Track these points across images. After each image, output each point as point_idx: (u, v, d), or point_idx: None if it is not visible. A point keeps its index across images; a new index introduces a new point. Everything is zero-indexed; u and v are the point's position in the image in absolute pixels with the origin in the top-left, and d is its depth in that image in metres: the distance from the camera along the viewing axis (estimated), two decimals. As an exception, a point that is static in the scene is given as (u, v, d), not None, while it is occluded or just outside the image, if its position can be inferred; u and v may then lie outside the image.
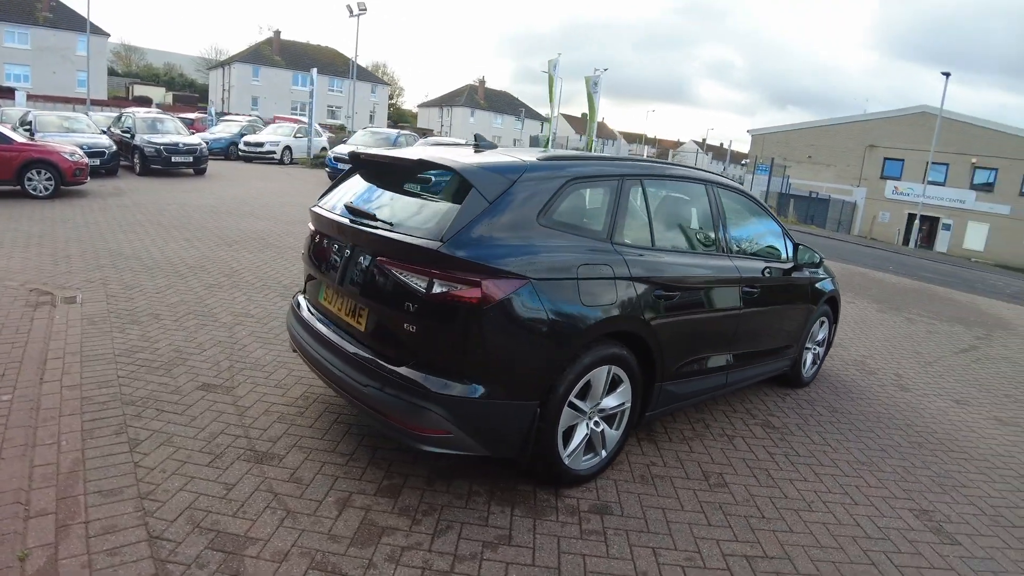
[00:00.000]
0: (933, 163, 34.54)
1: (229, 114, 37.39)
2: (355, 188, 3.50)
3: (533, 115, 77.00)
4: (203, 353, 4.36)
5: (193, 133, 17.69)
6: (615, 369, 3.22)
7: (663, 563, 2.75)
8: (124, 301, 5.33)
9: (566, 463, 3.10)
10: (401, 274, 2.77)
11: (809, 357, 5.35)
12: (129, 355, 4.18)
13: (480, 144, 3.60)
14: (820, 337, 5.47)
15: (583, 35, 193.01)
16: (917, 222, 35.87)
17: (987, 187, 34.01)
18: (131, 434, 3.18)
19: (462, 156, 3.19)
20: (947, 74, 31.60)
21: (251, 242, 8.26)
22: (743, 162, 44.78)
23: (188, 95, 51.11)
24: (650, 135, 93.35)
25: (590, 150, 19.83)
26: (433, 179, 3.18)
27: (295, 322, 3.58)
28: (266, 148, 21.50)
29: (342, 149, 16.53)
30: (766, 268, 4.42)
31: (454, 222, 2.74)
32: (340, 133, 35.03)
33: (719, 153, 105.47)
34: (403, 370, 2.78)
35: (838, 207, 34.84)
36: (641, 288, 3.28)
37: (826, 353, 5.70)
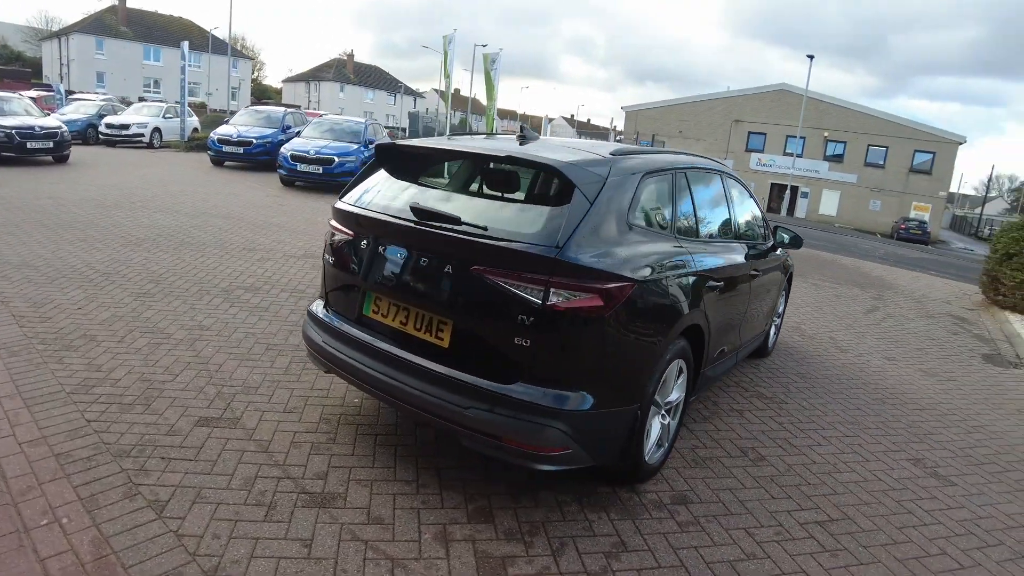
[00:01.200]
0: (792, 136, 37.79)
1: (78, 92, 32.83)
2: (401, 185, 3.10)
3: (407, 90, 75.14)
4: (177, 379, 3.67)
5: (48, 114, 15.24)
6: (680, 362, 3.23)
7: (760, 542, 2.87)
8: (40, 322, 4.38)
9: (647, 460, 3.10)
10: (510, 285, 2.51)
11: (773, 328, 5.72)
12: (86, 391, 3.41)
13: (526, 135, 3.27)
14: (781, 309, 5.90)
15: (444, 8, 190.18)
16: (788, 192, 39.22)
17: (838, 158, 37.79)
18: (148, 495, 2.56)
19: (547, 151, 2.97)
20: (811, 56, 34.62)
21: (161, 240, 7.21)
22: (619, 138, 46.44)
23: (18, 70, 44.07)
24: (520, 111, 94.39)
25: (490, 130, 19.49)
26: (521, 177, 2.92)
27: (329, 338, 3.09)
28: (133, 131, 18.96)
29: (227, 131, 15.01)
30: (760, 249, 4.68)
31: (565, 226, 2.54)
32: (203, 112, 32.07)
33: (587, 127, 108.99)
34: (517, 388, 2.53)
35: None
36: (701, 281, 3.35)
37: (780, 323, 6.09)
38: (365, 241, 2.99)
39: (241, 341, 4.40)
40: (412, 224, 2.76)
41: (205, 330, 4.53)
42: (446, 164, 3.48)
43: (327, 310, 3.26)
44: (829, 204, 38.36)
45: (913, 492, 3.58)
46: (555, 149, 3.07)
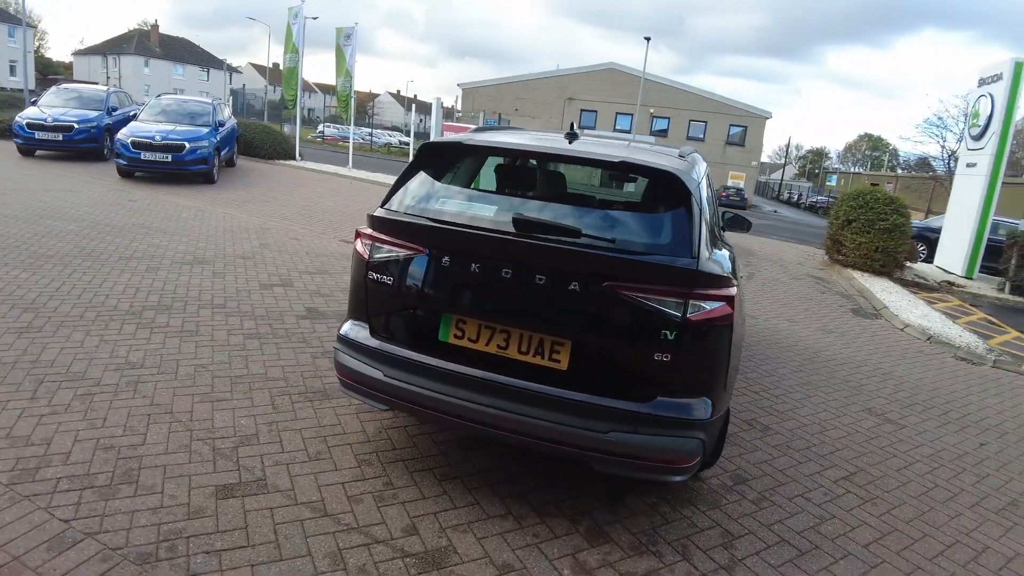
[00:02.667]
0: (622, 113, 40.22)
1: None
2: (470, 190, 2.84)
3: (220, 65, 68.29)
4: (148, 440, 2.92)
5: None
6: None
7: (819, 504, 3.24)
8: None
9: None
10: (649, 300, 2.39)
11: None
12: (32, 477, 2.57)
13: (577, 133, 3.05)
14: None
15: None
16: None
17: (663, 133, 40.98)
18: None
19: (649, 156, 2.88)
20: (648, 38, 36.65)
21: (6, 255, 5.74)
22: (457, 115, 46.27)
23: None
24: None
25: (347, 113, 18.18)
26: (628, 183, 2.67)
27: (394, 370, 2.65)
28: None
29: (38, 114, 12.35)
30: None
31: (691, 235, 2.49)
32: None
33: (417, 106, 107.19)
34: (658, 404, 2.45)
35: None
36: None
37: None
38: (446, 257, 2.58)
39: (194, 377, 3.63)
40: (518, 238, 2.48)
41: (139, 368, 3.67)
42: (513, 165, 3.16)
43: (378, 337, 2.78)
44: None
45: (885, 438, 4.21)
46: (638, 151, 2.93)
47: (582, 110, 42.34)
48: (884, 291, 9.40)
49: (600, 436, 2.42)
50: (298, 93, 18.22)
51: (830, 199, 49.29)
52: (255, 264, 6.41)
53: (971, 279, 11.49)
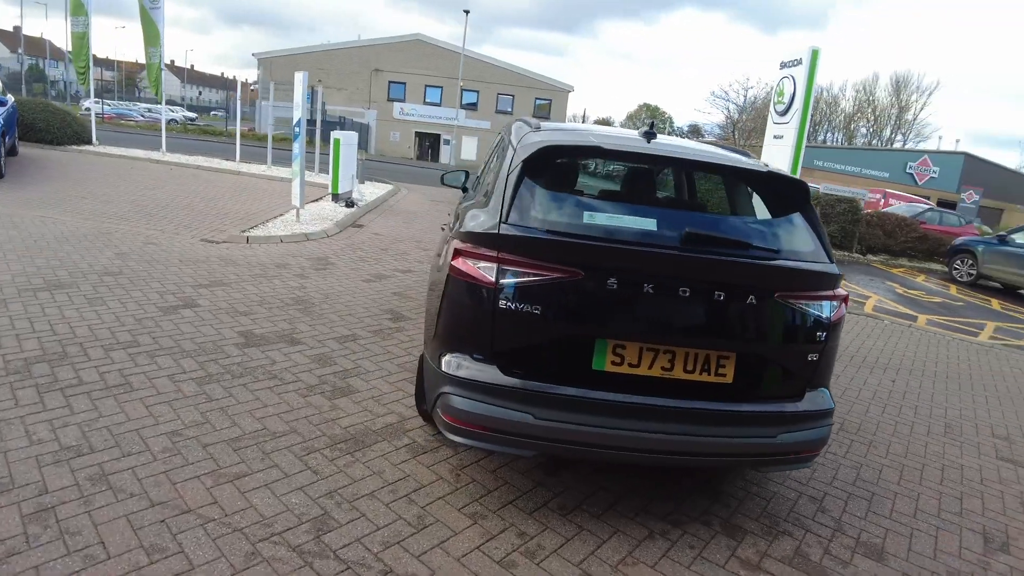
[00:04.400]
0: (430, 86, 39.46)
1: None
2: (603, 201, 2.56)
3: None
4: (198, 563, 2.05)
5: None
6: None
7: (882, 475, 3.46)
8: None
9: None
10: (811, 305, 2.51)
11: None
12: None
13: (655, 132, 2.82)
14: None
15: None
16: (450, 138, 40.83)
17: (472, 106, 41.05)
18: None
19: (749, 160, 2.97)
20: (467, 11, 35.80)
21: None
22: (253, 87, 41.86)
23: None
24: (115, 56, 76.96)
25: (156, 85, 15.27)
26: (755, 190, 2.74)
27: (544, 409, 2.29)
28: None
29: None
30: None
31: (825, 239, 2.61)
32: None
33: (200, 78, 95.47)
34: (807, 400, 2.61)
35: (357, 130, 36.77)
36: None
37: None
38: (611, 279, 2.30)
39: (178, 451, 2.68)
40: (694, 254, 2.33)
41: (87, 453, 2.60)
42: (626, 170, 2.84)
43: (513, 374, 2.32)
44: (468, 149, 41.68)
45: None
46: (727, 154, 2.89)
47: (390, 82, 40.76)
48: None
49: (770, 441, 2.48)
50: (89, 64, 14.81)
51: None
52: (131, 282, 5.04)
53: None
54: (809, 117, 13.29)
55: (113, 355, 3.59)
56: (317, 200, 11.05)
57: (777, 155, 13.40)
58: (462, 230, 2.51)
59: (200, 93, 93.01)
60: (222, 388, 3.35)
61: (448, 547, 2.28)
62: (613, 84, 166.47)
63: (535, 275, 2.29)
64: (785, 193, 2.69)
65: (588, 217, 2.41)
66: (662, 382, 2.39)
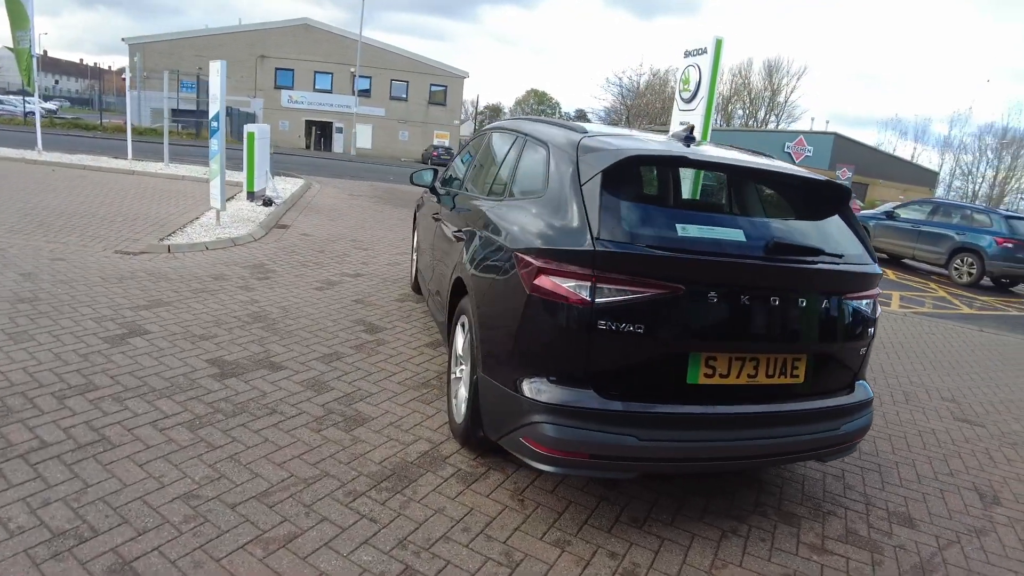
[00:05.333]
0: (320, 72, 37.38)
1: None
2: (680, 211, 2.62)
3: None
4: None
5: None
6: None
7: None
8: None
9: None
10: (864, 304, 2.62)
11: None
12: None
13: (693, 136, 2.80)
14: None
15: None
16: (356, 129, 38.63)
17: (366, 93, 39.36)
18: None
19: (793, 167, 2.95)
20: None
21: None
22: (124, 76, 37.68)
23: None
24: (-62, 39, 66.09)
25: (27, 76, 13.21)
26: (808, 197, 2.75)
27: (645, 430, 2.22)
28: None
29: None
30: None
31: (864, 242, 2.69)
32: None
33: (54, 65, 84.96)
34: (859, 389, 2.72)
35: (243, 119, 34.20)
36: None
37: None
38: (711, 292, 2.25)
39: (206, 517, 2.24)
40: (781, 263, 2.36)
41: (99, 530, 2.10)
42: (693, 178, 2.74)
43: (611, 396, 2.22)
44: (363, 138, 39.99)
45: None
46: (771, 160, 2.89)
47: (277, 68, 38.19)
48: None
49: (836, 433, 2.56)
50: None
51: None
52: (54, 309, 4.24)
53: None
54: (715, 104, 13.98)
55: (70, 404, 2.98)
56: (230, 199, 10.05)
57: (684, 139, 13.94)
58: (537, 246, 2.30)
59: (57, 82, 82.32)
60: (220, 432, 2.87)
61: (555, 585, 2.06)
62: (499, 70, 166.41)
63: (634, 292, 2.16)
64: (832, 197, 2.71)
65: (682, 230, 2.30)
66: (747, 389, 2.39)
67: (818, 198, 2.69)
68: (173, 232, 7.22)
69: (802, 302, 2.38)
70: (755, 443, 2.39)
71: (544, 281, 2.20)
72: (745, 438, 2.38)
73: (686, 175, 2.68)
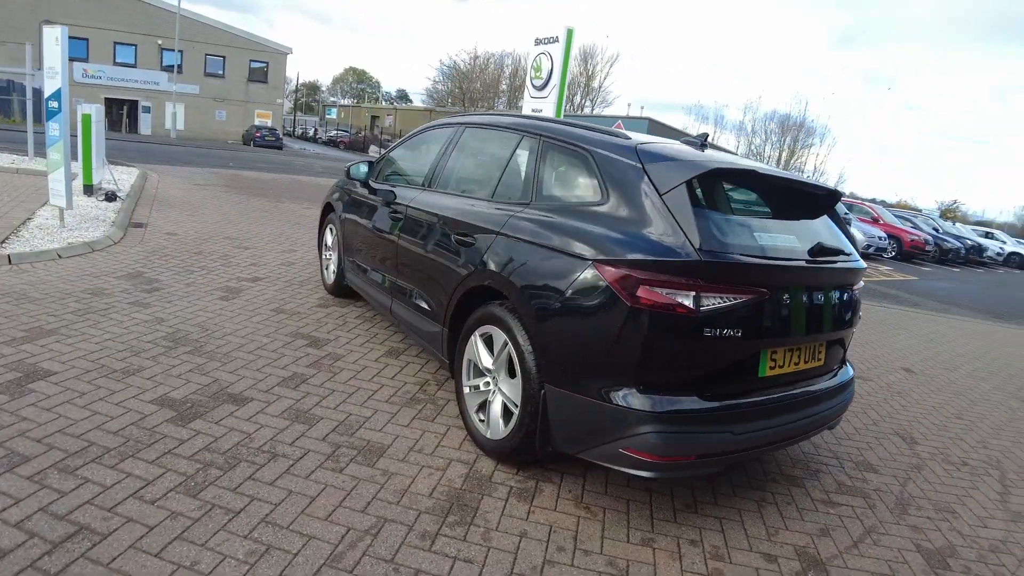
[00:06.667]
0: (121, 44, 31.86)
1: None
2: (750, 220, 2.59)
3: None
4: None
5: None
6: None
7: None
8: None
9: None
10: (858, 293, 2.88)
11: None
12: None
13: (705, 143, 2.88)
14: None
15: None
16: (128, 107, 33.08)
17: (176, 68, 34.29)
18: None
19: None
20: None
21: None
22: None
23: None
24: None
25: None
26: (819, 202, 2.89)
27: (744, 424, 2.35)
28: None
29: None
30: None
31: (851, 238, 2.99)
32: None
33: None
34: (847, 367, 3.05)
35: (27, 96, 28.09)
36: None
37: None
38: (786, 295, 2.39)
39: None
40: (816, 264, 2.55)
41: None
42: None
43: (710, 398, 2.29)
44: (176, 118, 35.03)
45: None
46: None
47: (69, 37, 31.70)
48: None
49: (842, 404, 2.86)
50: None
51: (359, 133, 51.25)
52: None
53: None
54: (566, 92, 14.36)
55: (3, 487, 2.20)
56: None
57: (540, 126, 14.21)
58: (633, 257, 2.20)
59: None
60: (229, 492, 2.32)
61: None
62: (313, 47, 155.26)
63: (731, 298, 2.20)
64: (830, 201, 2.90)
65: (758, 237, 2.41)
66: (793, 375, 2.59)
67: (824, 202, 2.87)
68: (6, 238, 5.69)
69: (830, 296, 2.61)
70: (805, 421, 2.61)
71: (648, 292, 2.14)
72: (800, 418, 2.59)
73: (734, 184, 2.70)
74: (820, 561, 2.39)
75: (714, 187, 2.51)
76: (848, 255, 2.77)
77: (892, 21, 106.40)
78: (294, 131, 61.14)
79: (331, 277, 5.33)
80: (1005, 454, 3.83)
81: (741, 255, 2.28)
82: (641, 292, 2.14)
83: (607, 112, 43.18)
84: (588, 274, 2.30)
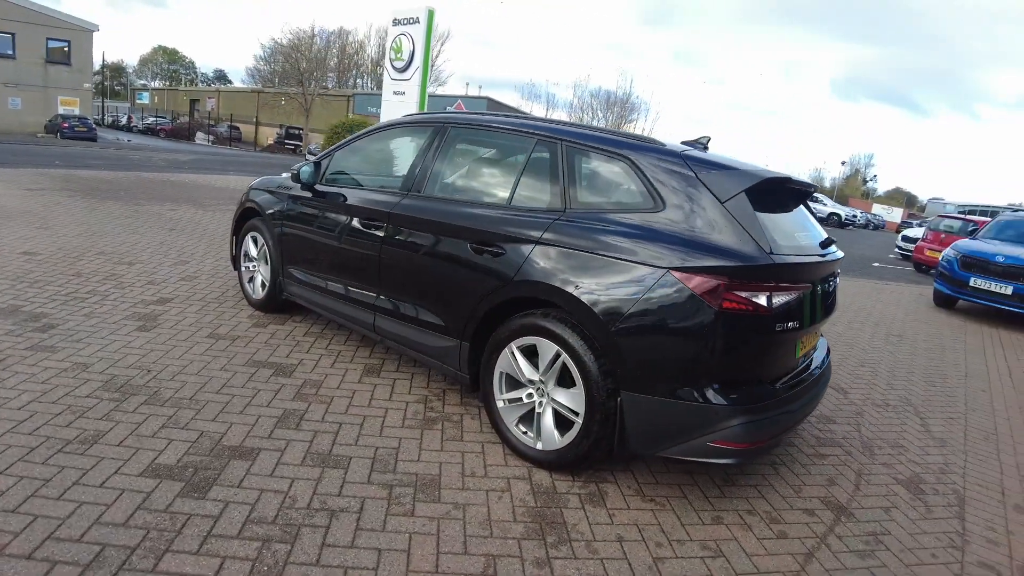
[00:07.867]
0: None
1: None
2: (784, 221, 2.76)
3: None
4: None
5: None
6: None
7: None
8: None
9: None
10: (839, 279, 3.17)
11: None
12: None
13: (705, 145, 3.04)
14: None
15: None
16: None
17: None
18: None
19: None
20: None
21: None
22: None
23: None
24: None
25: None
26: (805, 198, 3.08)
27: (789, 406, 2.54)
28: None
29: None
30: None
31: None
32: None
33: None
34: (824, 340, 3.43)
35: None
36: None
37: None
38: (819, 286, 2.67)
39: None
40: (834, 257, 2.87)
41: None
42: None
43: (772, 384, 2.54)
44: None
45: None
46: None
47: None
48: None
49: (829, 367, 3.22)
50: None
51: (181, 119, 44.90)
52: None
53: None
54: (429, 73, 13.80)
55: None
56: None
57: (400, 111, 13.65)
58: (713, 264, 2.27)
59: None
60: (315, 568, 1.99)
61: (761, 558, 2.21)
62: (115, 23, 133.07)
63: (791, 294, 2.40)
64: (810, 195, 3.12)
65: (796, 237, 2.62)
66: (807, 353, 2.88)
67: (808, 197, 3.09)
68: None
69: (832, 283, 2.93)
70: (822, 387, 2.94)
71: (734, 296, 2.24)
72: (819, 392, 2.90)
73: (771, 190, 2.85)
74: (843, 507, 2.71)
75: (761, 194, 2.63)
76: (834, 243, 3.08)
77: (696, 3, 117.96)
78: (103, 119, 51.93)
79: (260, 292, 4.70)
80: (909, 391, 4.59)
81: (795, 255, 2.49)
82: (726, 297, 2.22)
83: (441, 92, 42.13)
84: (665, 281, 2.30)
